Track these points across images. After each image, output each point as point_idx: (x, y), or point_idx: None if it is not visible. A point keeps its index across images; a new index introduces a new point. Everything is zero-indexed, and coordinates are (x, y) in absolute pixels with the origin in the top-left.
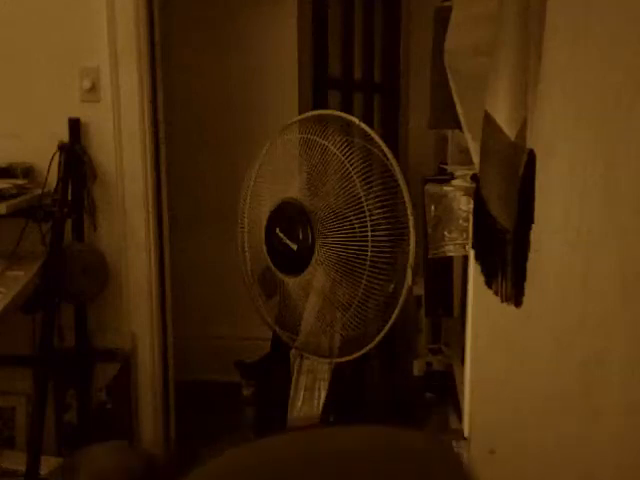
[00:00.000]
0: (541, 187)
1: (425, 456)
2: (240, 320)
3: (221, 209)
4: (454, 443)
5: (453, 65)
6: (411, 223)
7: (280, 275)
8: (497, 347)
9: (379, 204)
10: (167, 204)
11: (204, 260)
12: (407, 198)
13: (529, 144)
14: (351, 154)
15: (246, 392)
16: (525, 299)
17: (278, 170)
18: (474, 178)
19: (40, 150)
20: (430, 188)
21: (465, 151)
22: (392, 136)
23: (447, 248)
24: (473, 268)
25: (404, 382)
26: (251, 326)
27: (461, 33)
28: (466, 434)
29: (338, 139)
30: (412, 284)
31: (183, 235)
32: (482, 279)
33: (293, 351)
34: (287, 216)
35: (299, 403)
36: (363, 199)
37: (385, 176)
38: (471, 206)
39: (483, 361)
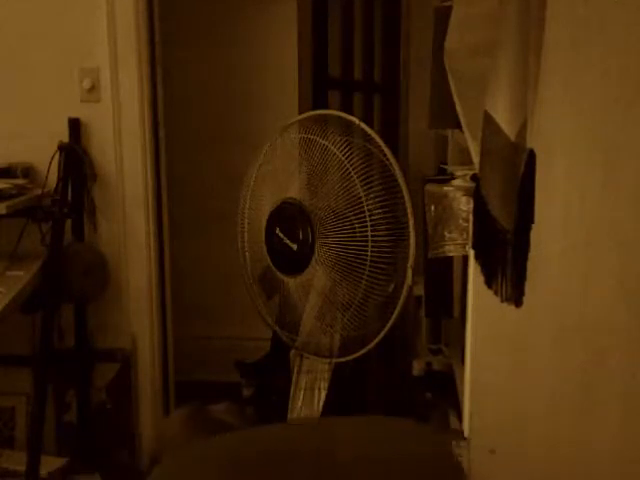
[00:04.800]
0: (541, 187)
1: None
2: (240, 320)
3: (221, 209)
4: (454, 443)
5: (453, 65)
6: (411, 223)
7: (280, 275)
8: (497, 347)
9: (379, 204)
10: (167, 204)
11: (204, 260)
12: (407, 198)
13: (529, 144)
14: (351, 154)
15: (246, 392)
16: (525, 299)
17: (278, 170)
18: (474, 178)
19: (40, 150)
20: (430, 188)
21: (465, 151)
22: (392, 136)
23: (447, 248)
24: (473, 268)
25: (404, 382)
26: (251, 326)
27: (461, 33)
28: (466, 434)
29: (338, 139)
30: (412, 284)
31: (183, 235)
32: (482, 279)
33: (293, 351)
34: (287, 216)
35: (299, 403)
36: (363, 199)
37: (385, 176)
38: (471, 206)
39: (483, 361)
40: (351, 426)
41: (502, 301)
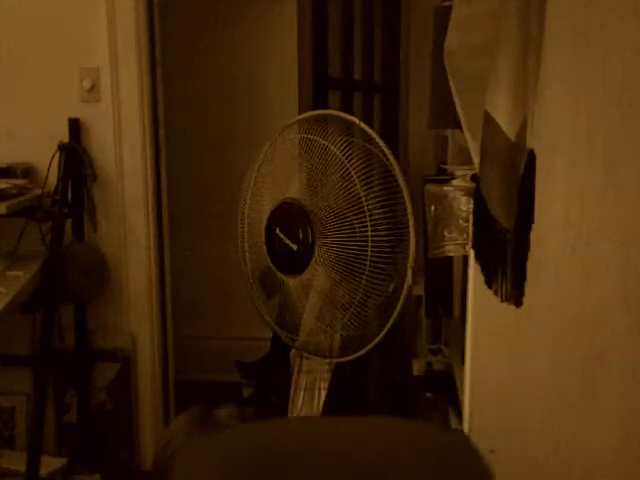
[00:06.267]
0: (541, 187)
1: (438, 448)
2: (240, 320)
3: (221, 209)
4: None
5: (453, 65)
6: (411, 223)
7: (280, 275)
8: (497, 347)
9: (379, 204)
10: (167, 204)
11: (204, 260)
12: (407, 198)
13: (529, 144)
14: (351, 154)
15: (246, 392)
16: (525, 299)
17: (278, 170)
18: (474, 178)
19: (40, 150)
20: (430, 188)
21: (465, 151)
22: (392, 136)
23: (447, 248)
24: (473, 268)
25: (404, 382)
26: (251, 326)
27: (461, 33)
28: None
29: (338, 139)
30: (412, 284)
31: (183, 235)
32: (482, 279)
33: (293, 351)
34: (287, 216)
35: (299, 403)
36: (363, 199)
37: (385, 176)
38: (471, 206)
39: (483, 361)
40: (365, 425)
41: (502, 301)
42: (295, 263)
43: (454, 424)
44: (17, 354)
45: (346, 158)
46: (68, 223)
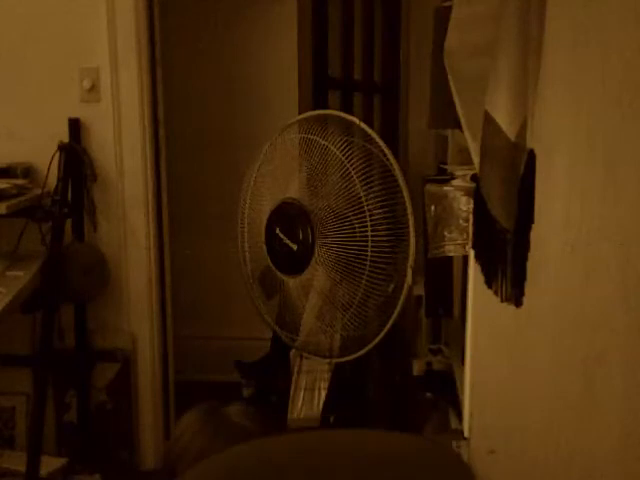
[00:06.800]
0: (541, 187)
1: (426, 459)
2: (240, 320)
3: (221, 209)
4: (454, 443)
5: (453, 65)
6: (411, 223)
7: (280, 275)
8: (497, 347)
9: (379, 204)
10: (167, 204)
11: (204, 260)
12: (407, 198)
13: (529, 144)
14: (351, 154)
15: (246, 392)
16: (525, 299)
17: (278, 170)
18: (474, 178)
19: (40, 150)
20: (430, 188)
21: (465, 151)
22: (392, 136)
23: (447, 248)
24: (473, 268)
25: (404, 382)
26: (251, 326)
27: (461, 33)
28: (466, 434)
29: (338, 139)
30: (412, 284)
31: (183, 235)
32: (482, 279)
33: (293, 351)
34: (287, 216)
35: (299, 403)
36: (363, 199)
37: (385, 176)
38: (471, 206)
39: (483, 361)
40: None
41: (502, 301)
42: (295, 263)
43: (454, 424)
44: (17, 354)
45: (346, 158)
46: (68, 223)
